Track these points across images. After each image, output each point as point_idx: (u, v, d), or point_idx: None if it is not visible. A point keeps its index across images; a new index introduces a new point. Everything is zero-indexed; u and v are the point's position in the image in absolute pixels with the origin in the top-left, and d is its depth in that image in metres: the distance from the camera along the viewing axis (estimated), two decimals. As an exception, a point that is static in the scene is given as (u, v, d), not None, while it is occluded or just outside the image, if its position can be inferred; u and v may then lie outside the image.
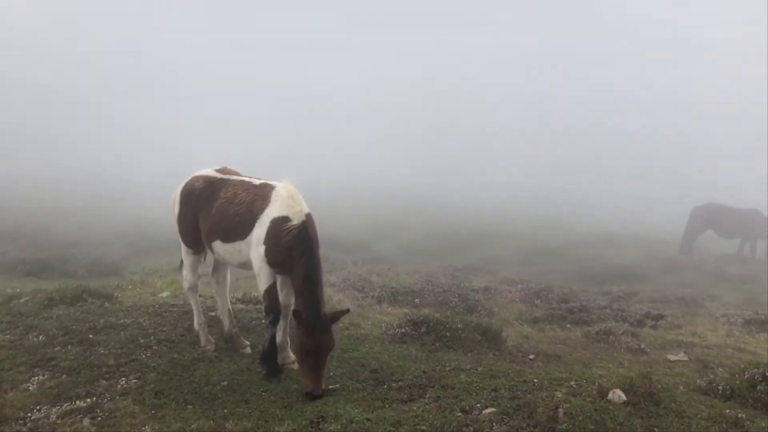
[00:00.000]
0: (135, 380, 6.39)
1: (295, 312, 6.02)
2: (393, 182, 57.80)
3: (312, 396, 5.85)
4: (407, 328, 8.47)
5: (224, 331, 7.64)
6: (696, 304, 15.81)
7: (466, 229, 33.50)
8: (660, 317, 12.84)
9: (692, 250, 28.80)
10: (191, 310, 7.84)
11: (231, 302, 8.05)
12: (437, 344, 8.06)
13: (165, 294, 10.32)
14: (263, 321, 8.21)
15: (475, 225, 35.18)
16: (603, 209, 46.56)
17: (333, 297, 11.80)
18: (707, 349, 9.79)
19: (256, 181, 6.99)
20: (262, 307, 6.75)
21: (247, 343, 7.56)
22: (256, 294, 10.39)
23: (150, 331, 7.96)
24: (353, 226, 31.45)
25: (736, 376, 6.14)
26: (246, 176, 7.28)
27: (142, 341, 7.54)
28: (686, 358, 8.74)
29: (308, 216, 6.46)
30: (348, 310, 6.78)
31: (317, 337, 5.84)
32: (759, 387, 5.72)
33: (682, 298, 16.65)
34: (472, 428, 5.18)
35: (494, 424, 5.21)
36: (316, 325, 5.87)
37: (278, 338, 6.79)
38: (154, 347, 7.37)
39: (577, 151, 69.92)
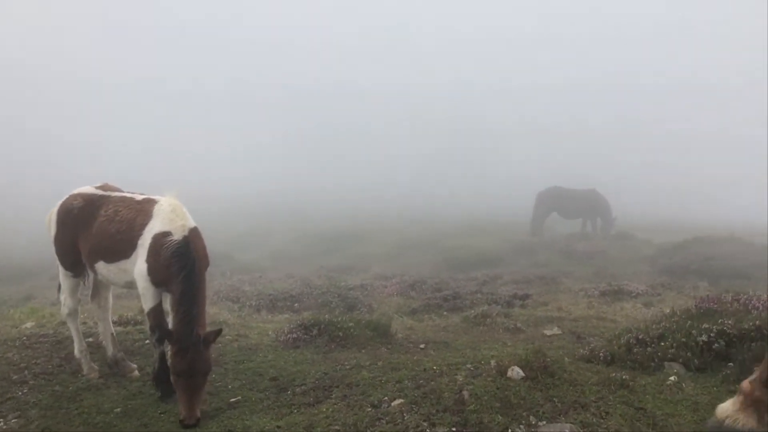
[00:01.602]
0: (15, 419, 5.87)
1: (167, 332, 5.66)
2: (259, 188, 56.92)
3: (185, 425, 5.37)
4: (299, 332, 8.43)
5: (108, 356, 7.18)
6: (555, 282, 16.97)
7: (335, 229, 33.73)
8: (527, 296, 13.67)
9: (542, 231, 30.87)
10: (64, 339, 7.30)
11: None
12: (331, 345, 8.09)
13: (29, 325, 9.51)
14: (148, 341, 7.86)
15: (346, 225, 35.53)
16: (468, 199, 48.62)
17: (209, 311, 11.45)
18: (575, 321, 10.58)
19: (139, 197, 6.65)
20: (147, 327, 6.42)
21: (134, 366, 7.17)
22: (131, 315, 9.89)
23: (22, 365, 7.30)
24: (215, 236, 30.57)
25: (614, 342, 6.71)
26: (128, 192, 6.90)
27: (15, 377, 6.91)
28: (560, 332, 9.39)
29: (192, 231, 6.21)
30: (221, 330, 6.20)
31: (190, 359, 5.44)
32: (635, 350, 6.29)
33: (542, 276, 17.81)
34: (384, 421, 5.26)
35: (405, 414, 5.33)
36: (189, 346, 5.49)
37: None
38: (30, 382, 6.79)
39: (448, 145, 72.50)
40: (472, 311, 11.16)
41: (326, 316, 9.22)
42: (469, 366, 6.47)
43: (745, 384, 4.37)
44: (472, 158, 67.84)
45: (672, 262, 20.38)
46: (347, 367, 6.96)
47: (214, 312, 11.51)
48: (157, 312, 6.23)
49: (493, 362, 6.22)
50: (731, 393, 5.31)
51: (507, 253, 24.80)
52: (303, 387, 6.39)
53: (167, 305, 6.22)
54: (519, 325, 10.02)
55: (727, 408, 4.45)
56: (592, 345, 7.14)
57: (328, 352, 7.80)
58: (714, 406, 5.07)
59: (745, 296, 7.48)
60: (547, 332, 9.33)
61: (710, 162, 64.99)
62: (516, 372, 5.76)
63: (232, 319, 10.98)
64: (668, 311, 7.93)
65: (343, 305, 12.91)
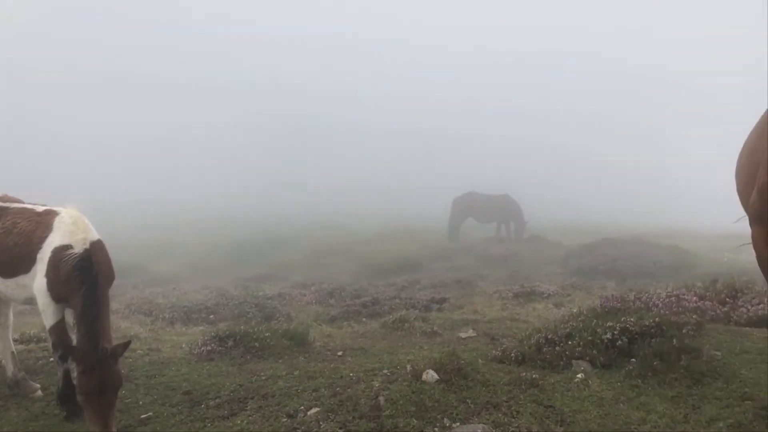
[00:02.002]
0: None
1: (70, 349, 5.41)
2: (173, 198, 55.41)
3: None
4: (213, 344, 8.24)
5: (8, 376, 6.80)
6: (471, 285, 17.32)
7: (252, 239, 33.20)
8: (443, 300, 13.90)
9: (458, 236, 31.51)
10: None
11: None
12: (247, 356, 7.95)
13: None
14: (51, 359, 7.49)
15: (263, 234, 35.03)
16: (390, 205, 48.95)
17: (119, 325, 11.07)
18: (489, 323, 10.82)
19: (40, 208, 6.33)
20: (50, 344, 6.12)
21: (37, 385, 6.81)
22: (34, 332, 9.42)
23: None
24: (126, 247, 29.53)
25: (524, 342, 6.91)
26: (29, 203, 6.56)
27: None
28: (475, 334, 9.58)
29: (95, 244, 5.96)
30: (129, 342, 6.04)
31: (98, 375, 5.17)
32: (544, 349, 6.49)
33: (459, 280, 18.15)
34: (300, 430, 5.22)
35: (321, 422, 5.31)
36: (95, 362, 5.21)
37: None
38: None
39: (369, 151, 72.85)
40: (391, 317, 11.22)
41: (242, 326, 9.06)
42: (385, 371, 6.51)
43: None
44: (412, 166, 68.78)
45: (581, 263, 21.19)
46: (263, 377, 6.86)
47: (124, 326, 11.10)
48: (59, 328, 5.95)
49: (408, 367, 6.28)
50: (633, 387, 5.58)
51: (426, 259, 25.13)
52: (217, 400, 6.25)
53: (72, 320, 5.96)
54: (436, 328, 10.16)
55: None
56: (504, 346, 7.32)
57: (243, 364, 7.67)
58: (618, 401, 5.31)
59: (647, 295, 7.88)
60: (463, 335, 9.50)
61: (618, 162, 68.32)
62: (431, 375, 5.84)
63: (144, 333, 10.61)
64: (576, 311, 8.24)
65: (260, 315, 12.72)
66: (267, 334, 8.33)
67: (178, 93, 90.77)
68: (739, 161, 5.36)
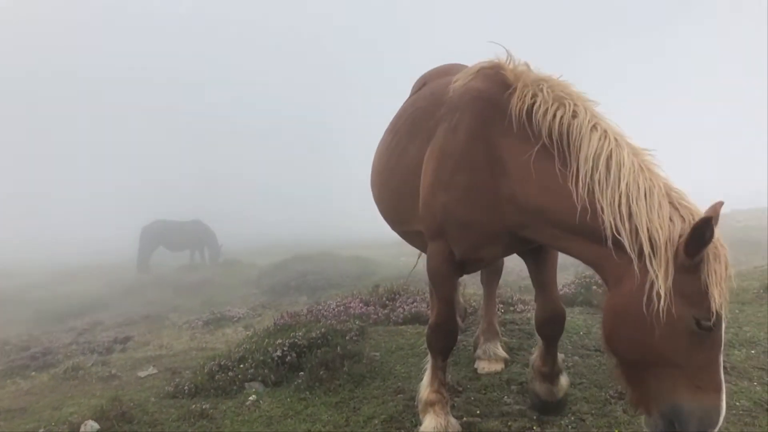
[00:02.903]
0: None
1: None
2: None
3: None
4: None
5: None
6: (161, 318, 16.56)
7: None
8: (127, 339, 13.03)
9: (149, 267, 30.02)
10: None
11: None
12: None
13: None
14: None
15: None
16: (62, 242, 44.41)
17: None
18: (174, 356, 10.39)
19: None
20: None
21: None
22: None
23: None
24: None
25: (198, 373, 6.72)
26: None
27: None
28: (156, 371, 9.08)
29: None
30: None
31: None
32: (217, 376, 6.37)
33: (147, 315, 17.22)
34: None
35: None
36: None
37: None
38: None
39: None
40: (63, 366, 10.15)
41: None
42: (41, 431, 5.80)
43: None
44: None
45: (274, 282, 21.66)
46: None
47: None
48: None
49: (67, 420, 5.68)
50: (301, 400, 5.73)
51: (112, 296, 23.43)
52: None
53: None
54: (114, 371, 9.42)
55: None
56: (176, 380, 7.03)
57: None
58: (286, 417, 5.41)
59: (318, 306, 8.24)
60: (142, 374, 8.95)
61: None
62: (90, 426, 5.34)
63: None
64: (250, 333, 8.29)
65: None
66: None
67: None
68: (382, 177, 5.24)
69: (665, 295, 2.98)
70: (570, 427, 4.83)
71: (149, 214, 31.65)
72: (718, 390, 3.00)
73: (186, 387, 6.40)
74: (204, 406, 5.67)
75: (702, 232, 2.87)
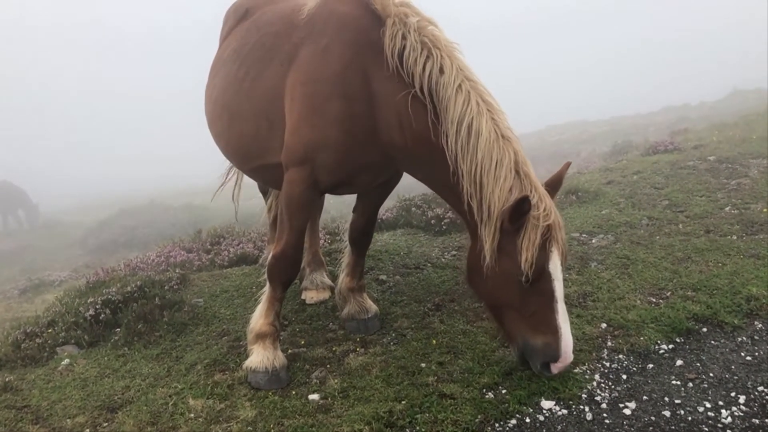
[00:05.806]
0: None
1: None
2: None
3: None
4: None
5: None
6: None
7: None
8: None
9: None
10: None
11: None
12: None
13: None
14: None
15: None
16: None
17: None
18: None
19: None
20: None
21: None
22: None
23: None
24: None
25: (2, 343, 6.17)
26: None
27: None
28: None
29: None
30: None
31: None
32: (23, 345, 5.87)
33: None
34: None
35: None
36: None
37: None
38: None
39: None
40: None
41: None
42: None
43: None
44: None
45: (101, 240, 20.45)
46: None
47: None
48: None
49: None
50: (119, 357, 5.46)
51: None
52: None
53: None
54: None
55: None
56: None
57: None
58: (103, 376, 5.13)
59: (135, 259, 7.82)
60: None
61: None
62: None
63: None
64: (60, 294, 7.74)
65: None
66: None
67: None
68: (229, 110, 4.89)
69: (490, 254, 3.59)
70: (392, 344, 5.01)
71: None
72: (555, 332, 3.59)
73: (-11, 361, 5.86)
74: (8, 379, 5.22)
75: (521, 205, 3.42)
